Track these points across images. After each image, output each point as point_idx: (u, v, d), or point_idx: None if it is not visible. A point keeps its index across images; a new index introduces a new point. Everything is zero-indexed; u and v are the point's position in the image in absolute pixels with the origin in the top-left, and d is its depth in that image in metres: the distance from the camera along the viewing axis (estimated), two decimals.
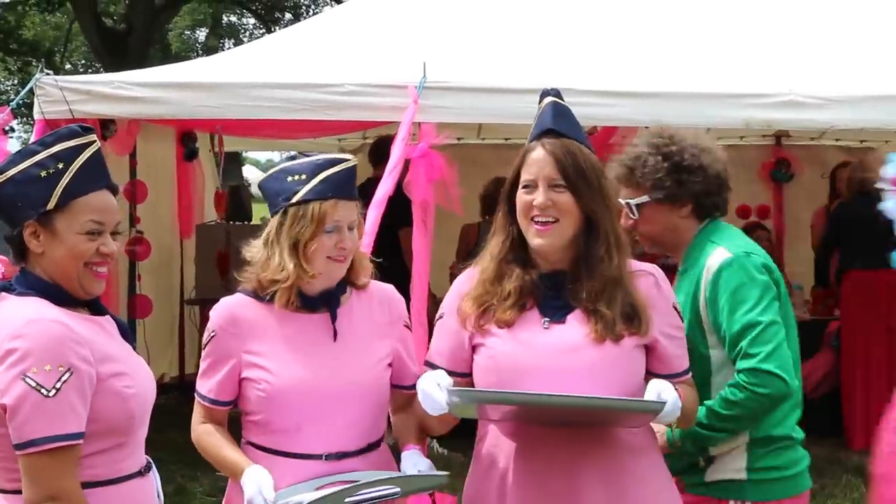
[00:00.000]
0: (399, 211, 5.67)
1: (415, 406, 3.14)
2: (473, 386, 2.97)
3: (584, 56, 6.66)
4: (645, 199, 3.43)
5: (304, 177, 3.04)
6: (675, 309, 3.03)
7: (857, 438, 7.80)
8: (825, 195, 9.33)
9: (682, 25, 7.19)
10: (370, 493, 2.84)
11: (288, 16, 29.53)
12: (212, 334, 3.10)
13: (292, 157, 3.12)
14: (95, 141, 2.71)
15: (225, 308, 3.11)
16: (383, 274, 3.44)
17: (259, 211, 11.51)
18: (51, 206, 2.61)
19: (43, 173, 2.61)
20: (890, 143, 10.15)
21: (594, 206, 2.90)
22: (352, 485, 2.87)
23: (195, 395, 3.16)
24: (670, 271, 3.28)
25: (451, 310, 3.04)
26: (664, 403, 2.77)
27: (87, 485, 2.58)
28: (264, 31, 29.19)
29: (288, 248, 3.02)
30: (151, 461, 2.83)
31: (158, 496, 2.85)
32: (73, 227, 2.64)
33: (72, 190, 2.63)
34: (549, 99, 3.08)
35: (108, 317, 2.75)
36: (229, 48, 26.60)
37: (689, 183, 3.43)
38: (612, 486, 2.87)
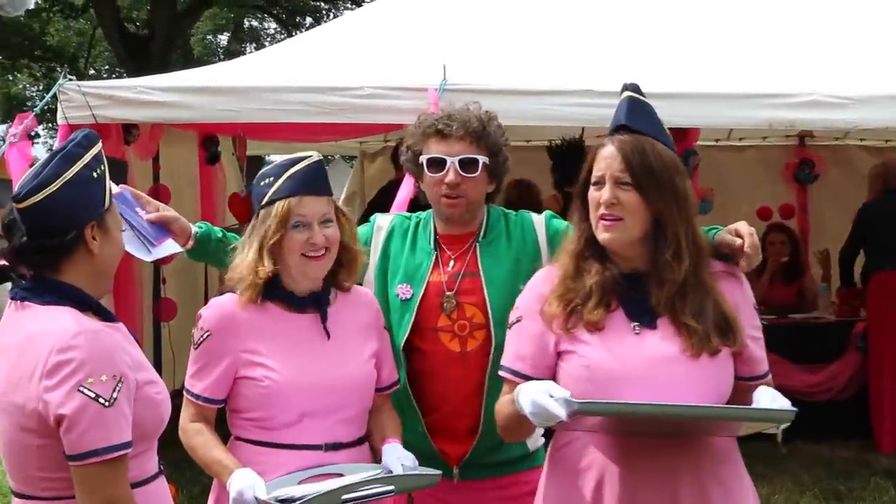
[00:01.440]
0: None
1: (389, 408, 3.33)
2: None
3: (604, 57, 6.64)
4: (486, 159, 3.38)
5: (271, 179, 3.13)
6: (755, 308, 2.97)
7: (886, 441, 7.76)
8: (850, 195, 9.25)
9: (703, 26, 7.17)
10: (366, 490, 2.87)
11: (309, 20, 29.56)
12: (206, 334, 3.14)
13: (269, 163, 3.19)
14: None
15: (219, 308, 3.17)
16: None
17: None
18: (106, 205, 2.68)
19: (94, 174, 2.65)
20: None
21: (662, 207, 2.80)
22: (347, 483, 2.90)
23: (185, 393, 3.20)
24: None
25: (530, 312, 2.94)
26: (795, 411, 2.72)
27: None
28: (285, 35, 29.23)
29: (255, 248, 3.11)
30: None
31: None
32: (117, 225, 2.74)
33: (111, 190, 2.72)
34: (626, 94, 2.99)
35: (121, 323, 2.75)
36: (251, 52, 26.69)
37: (508, 165, 3.51)
38: (705, 494, 2.82)
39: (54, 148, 5.93)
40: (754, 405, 2.76)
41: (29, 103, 31.50)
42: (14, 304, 2.67)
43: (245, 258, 3.13)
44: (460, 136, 3.36)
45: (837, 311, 8.64)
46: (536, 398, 2.69)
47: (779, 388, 3.22)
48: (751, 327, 2.91)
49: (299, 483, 2.96)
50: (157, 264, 8.08)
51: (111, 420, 2.49)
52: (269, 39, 34.28)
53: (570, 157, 8.38)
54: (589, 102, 5.83)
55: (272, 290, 3.15)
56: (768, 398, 2.76)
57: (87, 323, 2.57)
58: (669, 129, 2.95)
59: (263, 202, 3.14)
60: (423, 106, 5.74)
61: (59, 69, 28.90)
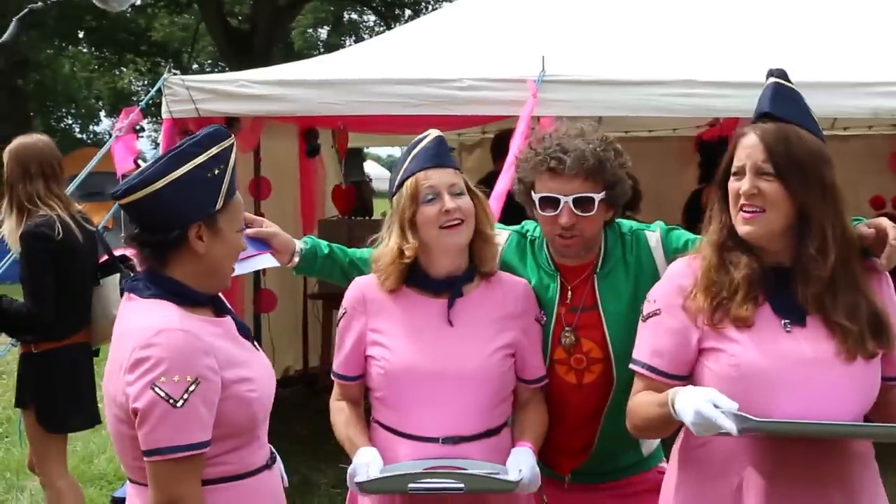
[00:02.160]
0: (519, 204, 5.66)
1: (537, 402, 3.24)
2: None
3: (703, 47, 6.57)
4: (602, 195, 3.19)
5: (399, 165, 3.20)
6: None
7: None
8: None
9: (805, 14, 7.04)
10: (433, 483, 2.87)
11: (408, 12, 29.73)
12: (343, 312, 3.25)
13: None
14: (234, 141, 2.77)
15: (356, 287, 3.25)
16: None
17: (380, 206, 11.62)
18: (219, 206, 2.67)
19: (209, 175, 2.65)
20: None
21: (807, 199, 2.68)
22: (417, 471, 2.93)
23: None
24: None
25: (670, 306, 2.83)
26: None
27: (222, 480, 2.66)
28: (384, 27, 29.44)
29: (396, 230, 3.15)
30: (276, 453, 2.90)
31: (284, 485, 2.93)
32: (233, 226, 2.74)
33: (230, 190, 2.71)
34: (771, 80, 2.84)
35: (228, 317, 2.79)
36: (350, 45, 26.91)
37: (629, 189, 3.29)
38: (850, 496, 2.73)
39: (160, 142, 5.97)
40: None
41: (134, 97, 32.19)
42: (126, 296, 2.73)
43: (387, 245, 3.17)
44: (574, 174, 3.15)
45: None
46: (701, 409, 2.55)
47: None
48: None
49: (425, 469, 2.99)
50: None
51: (179, 420, 2.51)
52: (368, 32, 34.55)
53: (718, 151, 8.33)
54: (690, 93, 5.77)
55: (409, 274, 3.19)
56: None
57: (177, 320, 2.60)
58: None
59: (394, 188, 3.20)
60: (522, 97, 5.75)
61: (163, 64, 29.49)
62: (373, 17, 34.45)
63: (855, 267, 2.73)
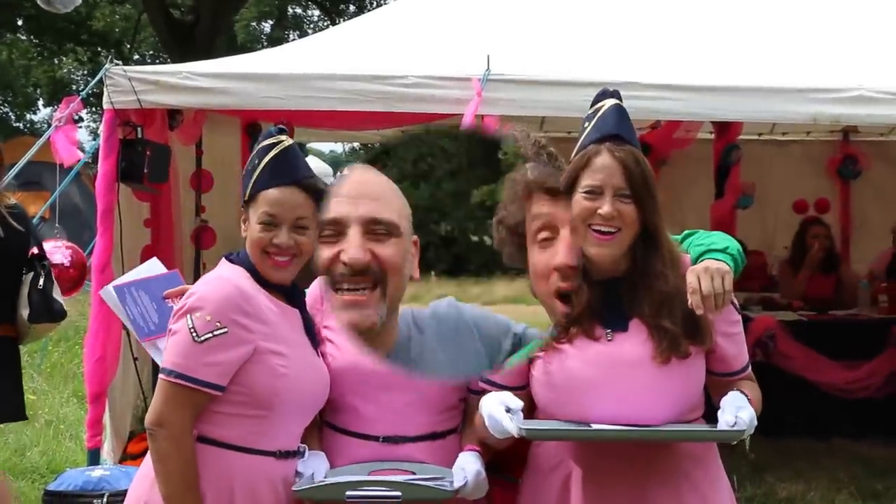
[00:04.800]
0: None
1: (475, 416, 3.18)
2: (531, 399, 2.89)
3: (648, 49, 6.63)
4: None
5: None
6: (732, 303, 2.86)
7: None
8: (894, 192, 9.16)
9: (748, 19, 7.13)
10: (370, 491, 2.85)
11: (352, 8, 29.64)
12: None
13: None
14: (284, 140, 2.99)
15: (315, 286, 3.21)
16: None
17: None
18: (247, 196, 2.99)
19: (250, 167, 3.00)
20: None
21: (655, 219, 2.79)
22: (354, 480, 2.90)
23: None
24: None
25: None
26: (743, 431, 2.66)
27: (212, 441, 2.84)
28: (329, 22, 29.32)
29: None
30: (304, 453, 2.98)
31: (295, 486, 2.93)
32: (255, 218, 2.97)
33: (258, 184, 2.97)
34: (612, 101, 2.91)
35: (296, 310, 3.01)
36: (294, 40, 26.77)
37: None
38: (678, 497, 2.81)
39: (100, 133, 5.86)
40: (720, 411, 2.70)
41: (74, 87, 31.77)
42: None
43: None
44: None
45: (887, 307, 8.44)
46: (493, 411, 2.72)
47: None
48: (725, 324, 2.84)
49: (368, 473, 2.96)
50: (199, 248, 8.15)
51: (191, 352, 2.79)
52: (312, 27, 34.38)
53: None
54: (633, 95, 5.79)
55: None
56: (730, 410, 2.69)
57: (237, 279, 2.90)
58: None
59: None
60: (467, 96, 5.77)
61: (104, 54, 29.15)
62: (317, 12, 34.29)
63: (679, 276, 2.79)
